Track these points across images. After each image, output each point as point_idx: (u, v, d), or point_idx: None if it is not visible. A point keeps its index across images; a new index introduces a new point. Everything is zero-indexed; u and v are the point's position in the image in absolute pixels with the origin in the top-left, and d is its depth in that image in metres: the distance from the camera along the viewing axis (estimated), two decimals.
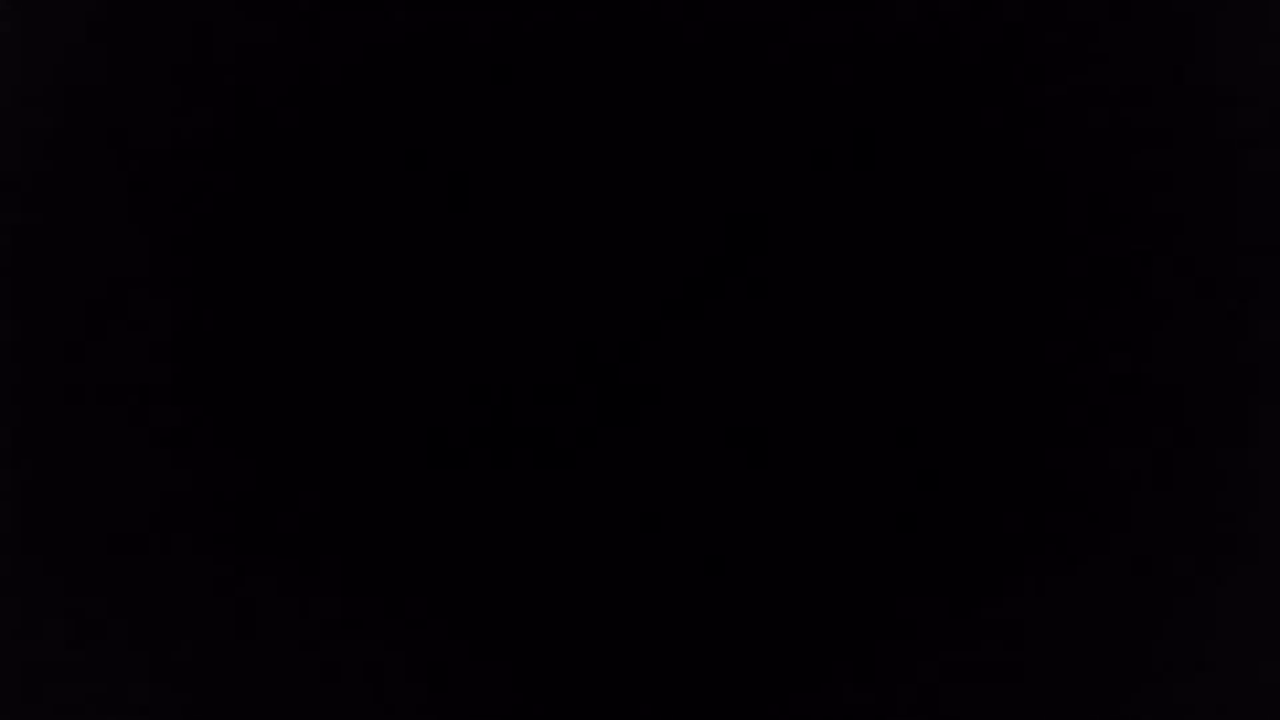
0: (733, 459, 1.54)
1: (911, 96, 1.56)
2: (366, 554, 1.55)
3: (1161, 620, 1.57)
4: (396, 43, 1.56)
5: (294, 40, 1.57)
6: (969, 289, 1.56)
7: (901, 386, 1.55)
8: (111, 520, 1.56)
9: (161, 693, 1.55)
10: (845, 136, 1.55)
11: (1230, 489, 1.58)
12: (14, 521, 1.59)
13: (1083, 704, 1.56)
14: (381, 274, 1.56)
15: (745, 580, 1.54)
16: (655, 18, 1.56)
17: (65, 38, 1.60)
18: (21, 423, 1.58)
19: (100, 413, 1.57)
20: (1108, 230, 1.58)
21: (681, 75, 1.56)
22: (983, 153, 1.56)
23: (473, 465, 1.54)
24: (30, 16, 1.60)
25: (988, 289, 1.56)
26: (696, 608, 1.54)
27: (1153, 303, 1.58)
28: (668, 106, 1.56)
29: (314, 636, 1.54)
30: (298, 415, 1.55)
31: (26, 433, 1.58)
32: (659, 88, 1.56)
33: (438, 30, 1.57)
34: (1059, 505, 1.56)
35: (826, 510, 1.54)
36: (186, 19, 1.58)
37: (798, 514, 1.54)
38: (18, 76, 1.60)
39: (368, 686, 1.55)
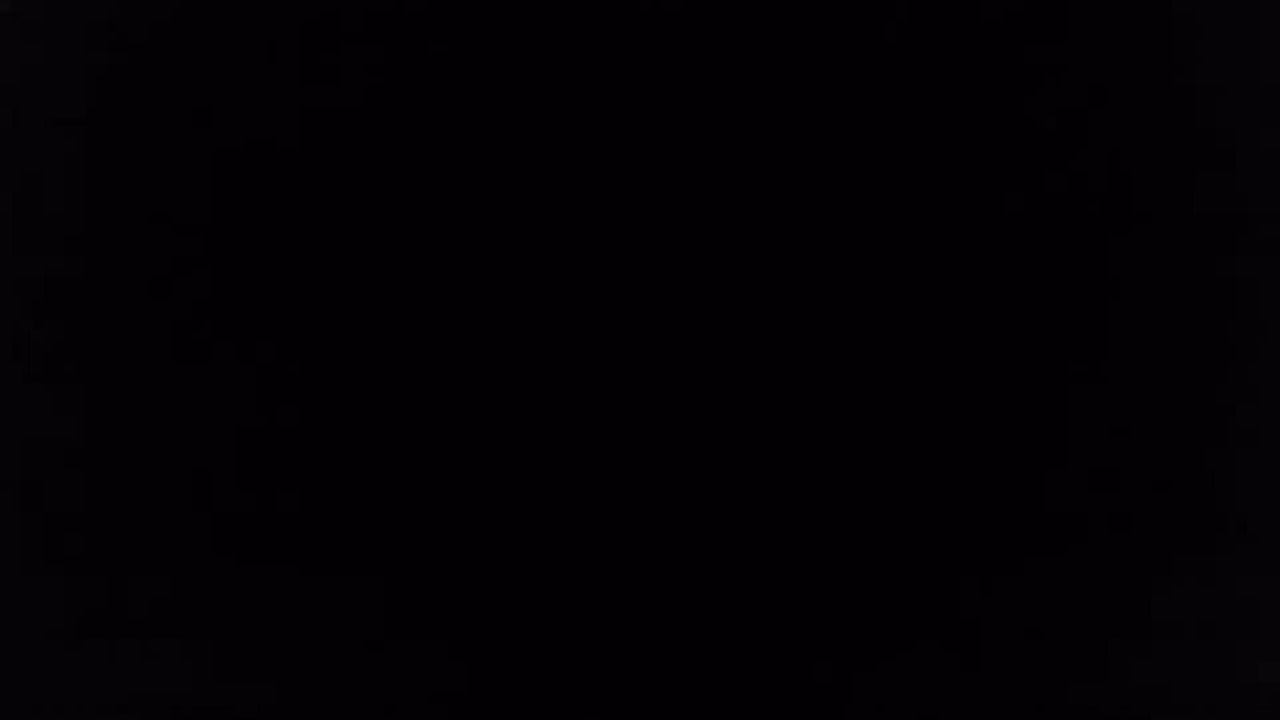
0: (725, 456, 1.54)
1: (909, 92, 1.56)
2: (369, 547, 1.55)
3: (1155, 616, 1.57)
4: (416, 56, 1.57)
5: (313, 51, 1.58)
6: (964, 285, 1.56)
7: (905, 380, 1.55)
8: (120, 511, 1.57)
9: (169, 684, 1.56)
10: (844, 139, 1.56)
11: (1228, 488, 1.58)
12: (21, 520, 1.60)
13: (1075, 698, 1.56)
14: (392, 278, 1.56)
15: (735, 571, 1.54)
16: (655, 23, 1.57)
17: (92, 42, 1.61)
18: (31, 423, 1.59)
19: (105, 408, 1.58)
20: (1105, 230, 1.58)
21: (682, 78, 1.57)
22: (981, 154, 1.57)
23: (475, 464, 1.55)
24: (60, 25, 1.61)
25: (984, 287, 1.56)
26: (688, 596, 1.54)
27: (1150, 302, 1.58)
28: (669, 109, 1.57)
29: (311, 625, 1.54)
30: (299, 410, 1.56)
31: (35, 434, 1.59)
32: (661, 91, 1.57)
33: (448, 43, 1.58)
34: (1049, 499, 1.56)
35: (820, 507, 1.54)
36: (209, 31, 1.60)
37: (788, 507, 1.54)
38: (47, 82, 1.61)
39: (373, 680, 1.55)
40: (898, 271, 1.56)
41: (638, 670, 1.54)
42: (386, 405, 1.56)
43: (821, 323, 1.55)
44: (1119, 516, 1.57)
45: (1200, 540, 1.58)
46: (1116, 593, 1.56)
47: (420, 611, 1.55)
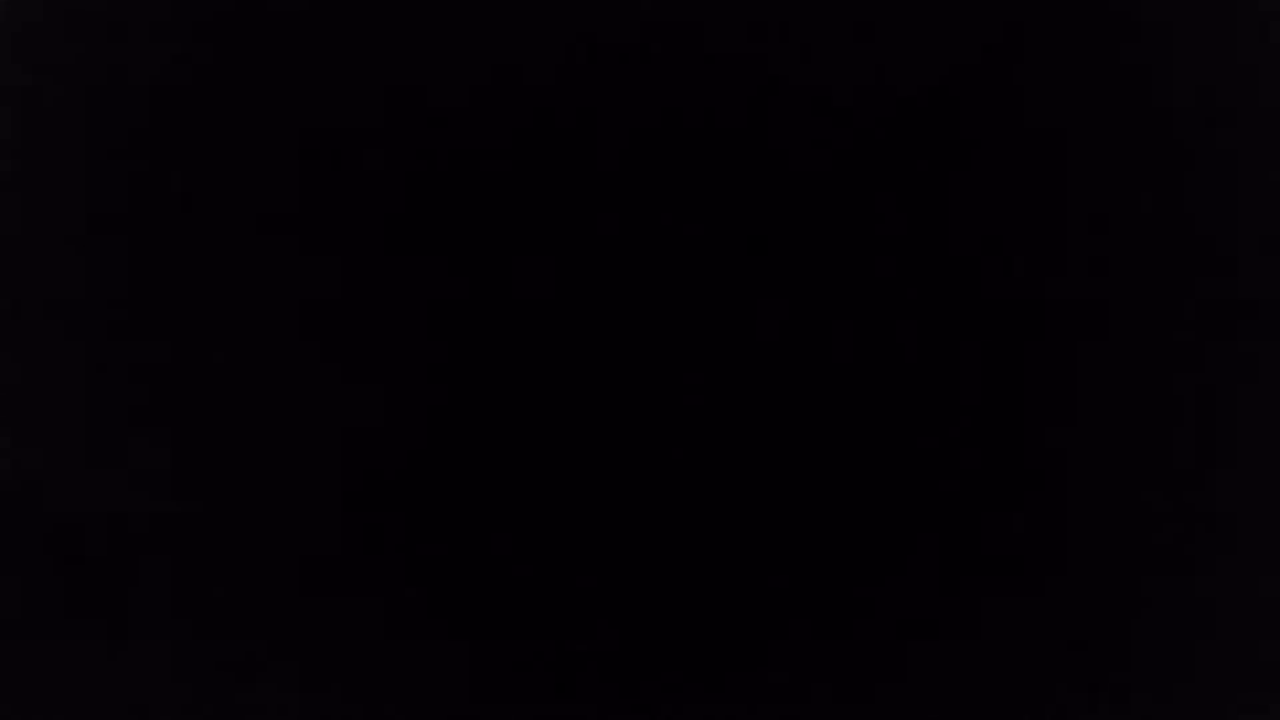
0: (725, 456, 1.56)
1: (911, 98, 1.57)
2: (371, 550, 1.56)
3: (1152, 617, 1.58)
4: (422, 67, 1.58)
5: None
6: (965, 288, 1.57)
7: (903, 382, 1.56)
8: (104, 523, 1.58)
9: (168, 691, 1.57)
10: (848, 144, 1.56)
11: (1228, 488, 1.59)
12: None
13: (1070, 698, 1.58)
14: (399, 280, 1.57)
15: (736, 571, 1.56)
16: (659, 25, 1.57)
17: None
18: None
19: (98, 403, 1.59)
20: (1106, 232, 1.59)
21: (683, 81, 1.57)
22: (983, 156, 1.57)
23: (473, 461, 1.56)
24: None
25: (982, 288, 1.57)
26: (689, 600, 1.56)
27: (1149, 304, 1.59)
28: (673, 113, 1.57)
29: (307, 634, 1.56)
30: (300, 413, 1.57)
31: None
32: (665, 94, 1.57)
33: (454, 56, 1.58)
34: (1049, 502, 1.58)
35: (821, 510, 1.55)
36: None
37: (788, 509, 1.55)
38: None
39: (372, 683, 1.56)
40: (877, 290, 1.57)
41: (639, 674, 1.56)
42: (384, 404, 1.57)
43: (818, 331, 1.56)
44: (1115, 517, 1.58)
45: (1198, 541, 1.60)
46: (1112, 594, 1.58)
47: (414, 618, 1.56)
